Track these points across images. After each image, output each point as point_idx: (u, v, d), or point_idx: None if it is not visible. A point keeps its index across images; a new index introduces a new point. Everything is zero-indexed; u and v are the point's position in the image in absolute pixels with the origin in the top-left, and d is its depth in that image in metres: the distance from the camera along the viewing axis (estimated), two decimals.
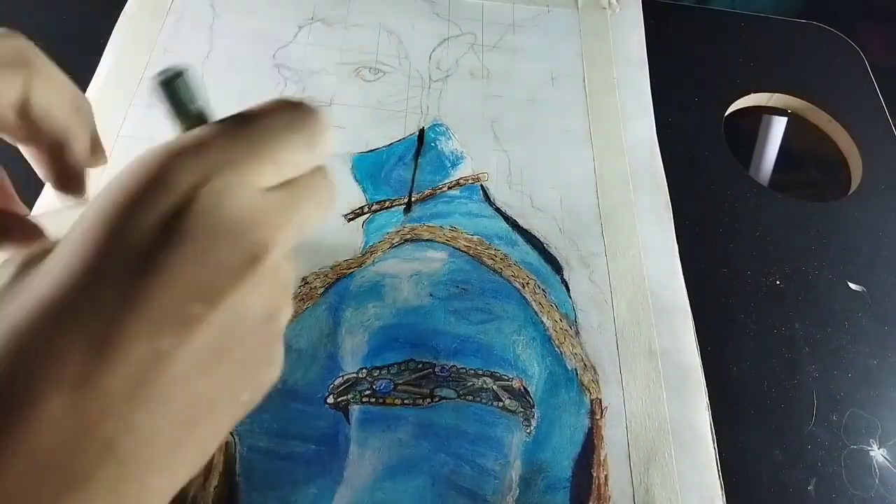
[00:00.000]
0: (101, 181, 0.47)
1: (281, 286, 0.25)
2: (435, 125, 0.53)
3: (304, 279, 0.45)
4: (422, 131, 0.52)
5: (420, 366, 0.42)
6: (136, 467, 0.22)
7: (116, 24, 0.56)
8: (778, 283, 0.49)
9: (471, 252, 0.47)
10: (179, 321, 0.22)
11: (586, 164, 0.52)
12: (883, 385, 0.45)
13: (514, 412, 0.41)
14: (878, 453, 0.43)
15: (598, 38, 0.60)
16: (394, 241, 0.47)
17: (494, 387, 0.42)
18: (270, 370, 0.26)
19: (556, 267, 0.47)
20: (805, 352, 0.46)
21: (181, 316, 0.22)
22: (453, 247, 0.47)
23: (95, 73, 0.53)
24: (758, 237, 0.51)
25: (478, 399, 0.41)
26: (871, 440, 0.43)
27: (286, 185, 0.25)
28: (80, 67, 0.53)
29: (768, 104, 0.60)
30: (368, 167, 0.50)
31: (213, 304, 0.22)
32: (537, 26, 0.60)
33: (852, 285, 0.49)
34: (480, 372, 0.42)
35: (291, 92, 0.54)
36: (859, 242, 0.51)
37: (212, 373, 0.23)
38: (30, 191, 0.47)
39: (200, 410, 0.23)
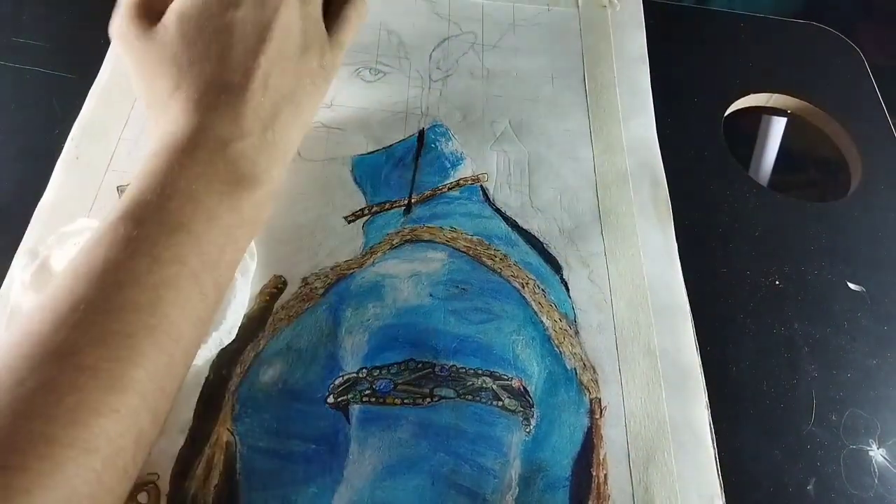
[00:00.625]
0: (108, 185, 0.48)
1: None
2: (435, 126, 0.53)
3: (304, 279, 0.45)
4: (422, 132, 0.52)
5: (420, 365, 0.42)
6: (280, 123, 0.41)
7: None
8: (777, 283, 0.49)
9: (470, 252, 0.47)
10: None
11: (586, 163, 0.52)
12: (882, 385, 0.45)
13: (513, 411, 0.41)
14: (877, 453, 0.43)
15: (598, 37, 0.60)
16: (394, 242, 0.47)
17: (494, 386, 0.42)
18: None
19: (556, 267, 0.47)
20: (804, 352, 0.46)
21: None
22: (453, 247, 0.47)
23: (98, 75, 0.53)
24: (757, 237, 0.51)
25: (477, 398, 0.41)
26: (870, 440, 0.43)
27: None
28: (82, 68, 0.53)
29: (768, 104, 0.60)
30: (368, 169, 0.50)
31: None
32: (537, 25, 0.60)
33: (852, 285, 0.49)
34: (480, 371, 0.42)
35: None
36: (859, 242, 0.51)
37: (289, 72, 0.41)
38: (30, 189, 0.47)
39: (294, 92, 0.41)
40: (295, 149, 0.43)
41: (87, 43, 0.55)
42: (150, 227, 0.34)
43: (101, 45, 0.54)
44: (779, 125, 0.61)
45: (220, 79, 0.39)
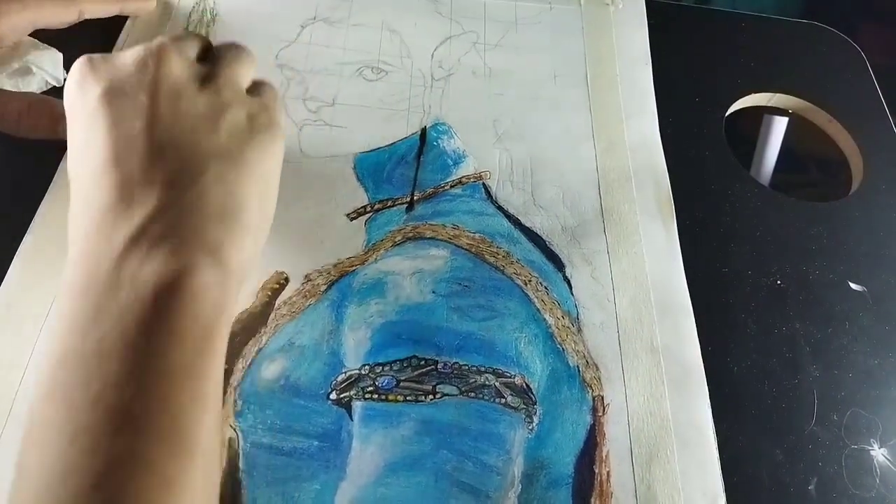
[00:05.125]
0: None
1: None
2: (437, 124, 0.53)
3: (306, 276, 0.45)
4: (424, 130, 0.52)
5: (422, 362, 0.42)
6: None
7: (124, 27, 0.56)
8: (779, 282, 0.49)
9: (473, 250, 0.47)
10: None
11: (588, 161, 0.52)
12: (884, 385, 0.45)
13: (516, 409, 0.41)
14: (878, 453, 0.43)
15: (600, 36, 0.60)
16: (396, 240, 0.47)
17: (497, 384, 0.42)
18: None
19: (559, 264, 0.47)
20: (806, 351, 0.46)
21: None
22: (455, 244, 0.47)
23: None
24: (758, 237, 0.51)
25: (480, 396, 0.41)
26: (871, 440, 0.43)
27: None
28: None
29: (769, 104, 0.60)
30: (371, 166, 0.50)
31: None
32: (540, 24, 0.60)
33: (853, 285, 0.49)
34: (483, 369, 0.42)
35: (294, 92, 0.54)
36: (860, 242, 0.51)
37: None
38: (31, 189, 0.47)
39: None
40: None
41: (87, 43, 0.54)
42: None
43: (102, 45, 0.54)
44: (780, 125, 0.61)
45: None
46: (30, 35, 0.50)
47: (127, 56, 0.34)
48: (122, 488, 0.24)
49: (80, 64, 0.34)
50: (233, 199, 0.32)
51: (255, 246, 0.34)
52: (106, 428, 0.25)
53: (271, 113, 0.37)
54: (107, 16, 0.52)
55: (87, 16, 0.50)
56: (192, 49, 0.37)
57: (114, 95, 0.32)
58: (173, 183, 0.31)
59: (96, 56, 0.35)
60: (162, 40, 0.35)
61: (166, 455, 0.26)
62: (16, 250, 0.44)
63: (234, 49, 0.38)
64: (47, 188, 0.47)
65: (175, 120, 0.32)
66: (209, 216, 0.31)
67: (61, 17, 0.49)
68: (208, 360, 0.29)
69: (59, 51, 0.51)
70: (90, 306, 0.28)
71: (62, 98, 0.47)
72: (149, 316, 0.27)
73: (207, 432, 0.28)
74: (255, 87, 0.39)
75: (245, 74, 0.38)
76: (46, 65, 0.50)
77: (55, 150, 0.48)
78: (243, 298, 0.43)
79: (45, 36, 0.50)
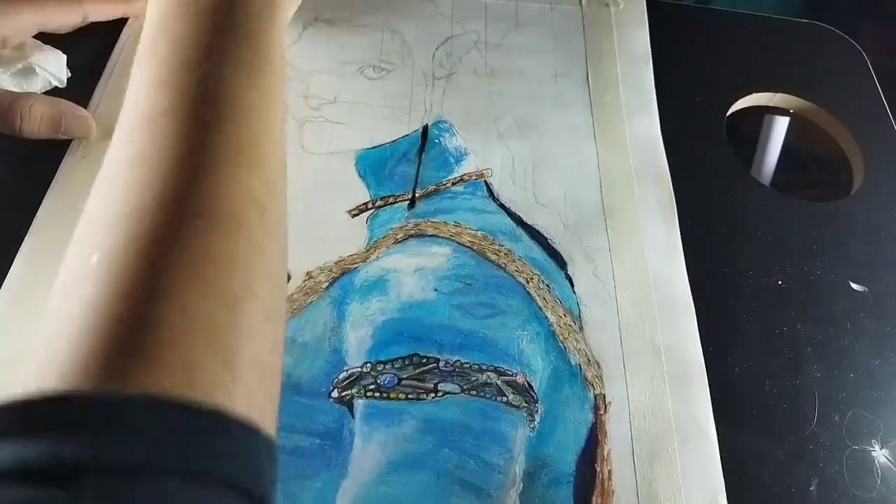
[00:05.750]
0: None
1: None
2: (439, 122, 0.53)
3: (308, 273, 0.45)
4: (425, 128, 0.53)
5: (424, 360, 0.42)
6: None
7: (125, 27, 0.56)
8: (780, 282, 0.49)
9: (475, 247, 0.47)
10: None
11: (590, 160, 0.52)
12: (885, 385, 0.45)
13: (518, 407, 0.41)
14: (879, 454, 0.43)
15: (601, 36, 0.60)
16: (398, 237, 0.47)
17: (498, 382, 0.42)
18: None
19: (560, 262, 0.47)
20: (807, 352, 0.46)
21: None
22: (457, 242, 0.47)
23: (103, 73, 0.53)
24: (759, 237, 0.51)
25: (482, 394, 0.41)
26: (872, 441, 0.43)
27: None
28: (88, 67, 0.53)
29: (770, 104, 0.60)
30: (372, 163, 0.50)
31: None
32: (541, 24, 0.60)
33: (854, 285, 0.49)
34: (484, 367, 0.42)
35: (295, 89, 0.54)
36: (861, 242, 0.51)
37: None
38: (36, 189, 0.47)
39: None
40: None
41: (94, 42, 0.54)
42: None
43: (108, 44, 0.54)
44: (781, 125, 0.61)
45: None
46: (33, 37, 0.50)
47: None
48: (218, 71, 0.33)
49: None
50: None
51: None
52: (205, 35, 0.34)
53: None
54: (111, 18, 0.53)
55: (92, 19, 0.51)
56: None
57: None
58: None
59: None
60: None
61: (246, 47, 0.34)
62: (17, 250, 0.44)
63: None
64: (48, 188, 0.47)
65: None
66: None
67: (66, 20, 0.50)
68: (276, 14, 0.37)
69: (62, 52, 0.51)
70: None
71: (64, 98, 0.48)
72: None
73: (280, 49, 0.36)
74: None
75: None
76: (50, 65, 0.50)
77: (56, 150, 0.48)
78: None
79: (47, 36, 0.50)
